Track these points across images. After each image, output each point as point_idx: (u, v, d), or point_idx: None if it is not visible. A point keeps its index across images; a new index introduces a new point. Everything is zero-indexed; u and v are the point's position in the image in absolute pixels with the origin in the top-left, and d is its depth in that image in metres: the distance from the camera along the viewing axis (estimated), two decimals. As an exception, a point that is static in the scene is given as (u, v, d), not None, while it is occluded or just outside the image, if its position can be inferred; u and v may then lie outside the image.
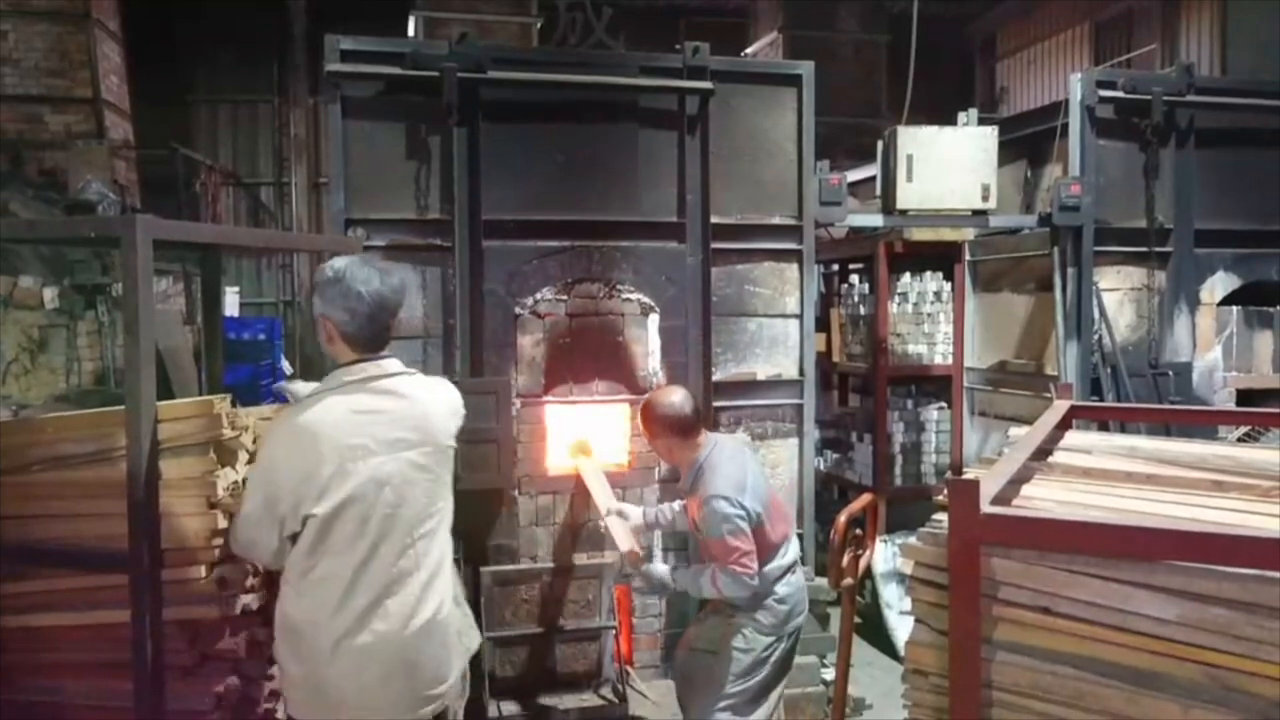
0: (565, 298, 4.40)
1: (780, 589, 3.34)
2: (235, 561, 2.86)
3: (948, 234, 5.77)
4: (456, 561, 2.41)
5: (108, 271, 5.67)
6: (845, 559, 2.62)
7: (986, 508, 1.83)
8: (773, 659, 3.39)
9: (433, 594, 2.45)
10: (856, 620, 4.20)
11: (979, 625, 1.84)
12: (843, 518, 2.60)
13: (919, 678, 1.98)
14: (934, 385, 6.04)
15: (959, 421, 5.92)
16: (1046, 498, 2.24)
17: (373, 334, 2.43)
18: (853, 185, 5.73)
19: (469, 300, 4.31)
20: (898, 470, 5.93)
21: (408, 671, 2.40)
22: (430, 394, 2.52)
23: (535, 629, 4.27)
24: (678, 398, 3.45)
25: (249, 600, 2.86)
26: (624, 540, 3.75)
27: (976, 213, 4.97)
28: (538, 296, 4.36)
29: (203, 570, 2.78)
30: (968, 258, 5.90)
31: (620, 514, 3.86)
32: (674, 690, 4.41)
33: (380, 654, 2.35)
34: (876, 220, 5.05)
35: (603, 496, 4.03)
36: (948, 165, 4.87)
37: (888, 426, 5.91)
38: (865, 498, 2.81)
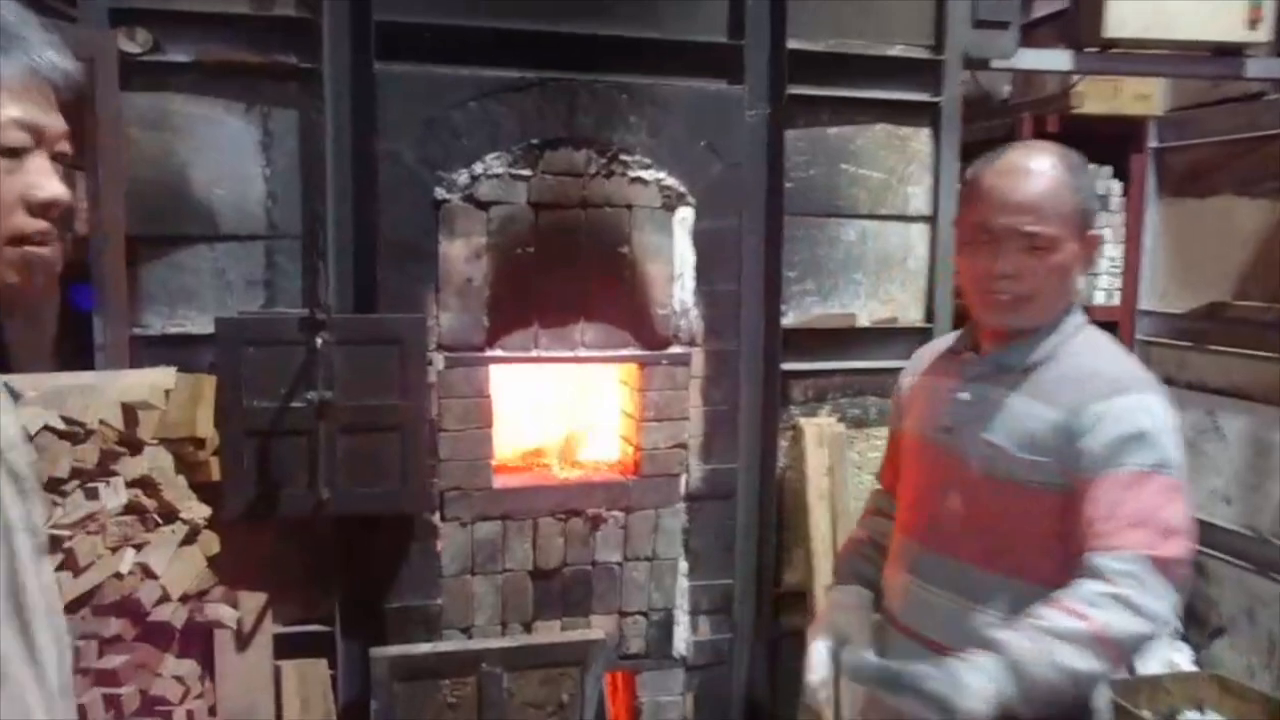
0: (528, 173, 2.45)
1: None
2: None
3: (1129, 103, 3.78)
4: None
5: None
6: None
7: None
8: None
9: None
10: None
11: None
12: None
13: None
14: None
15: (1124, 390, 4.01)
16: None
17: None
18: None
19: (350, 172, 2.39)
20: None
21: None
22: None
23: (466, 759, 2.45)
24: None
25: None
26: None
27: (1227, 51, 2.98)
28: (478, 170, 2.41)
29: None
30: (1153, 144, 3.91)
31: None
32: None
33: None
34: (1063, 61, 3.03)
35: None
36: (1190, -34, 2.87)
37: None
38: None
